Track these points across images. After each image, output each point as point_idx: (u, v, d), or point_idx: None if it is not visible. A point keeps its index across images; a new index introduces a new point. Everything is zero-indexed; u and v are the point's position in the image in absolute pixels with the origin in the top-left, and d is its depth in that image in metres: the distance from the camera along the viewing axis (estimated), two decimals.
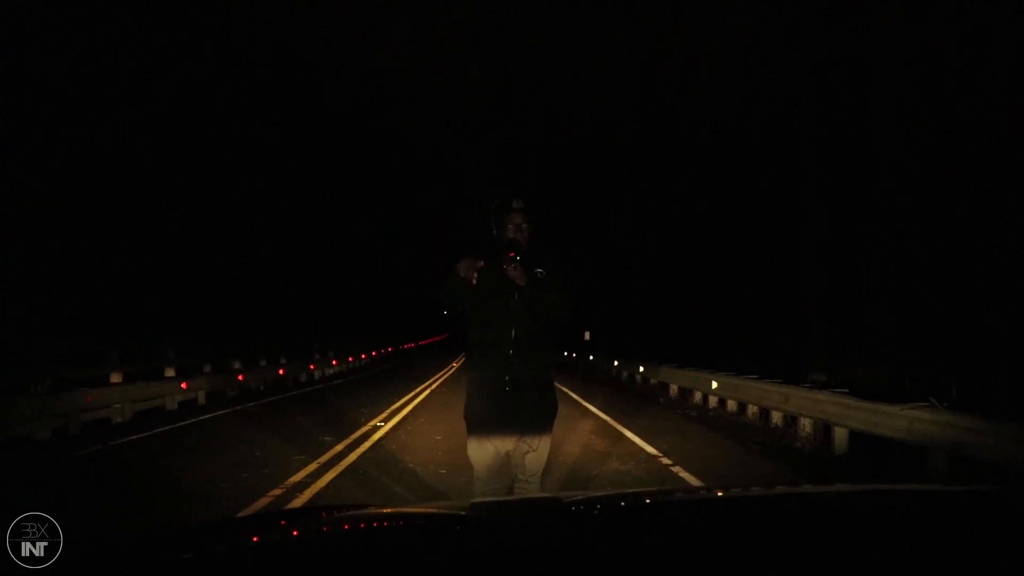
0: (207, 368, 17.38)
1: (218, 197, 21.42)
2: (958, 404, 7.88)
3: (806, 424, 9.69)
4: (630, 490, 5.39)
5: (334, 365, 26.19)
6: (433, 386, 19.25)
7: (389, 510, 2.11)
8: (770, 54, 16.62)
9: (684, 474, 7.48)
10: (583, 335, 32.97)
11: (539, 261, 3.64)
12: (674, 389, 15.89)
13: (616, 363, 22.95)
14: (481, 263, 3.48)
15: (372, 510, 2.10)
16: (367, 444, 9.25)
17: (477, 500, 1.91)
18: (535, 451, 3.73)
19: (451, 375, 24.34)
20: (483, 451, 3.73)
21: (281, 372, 20.34)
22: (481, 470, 3.79)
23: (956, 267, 10.55)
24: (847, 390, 9.24)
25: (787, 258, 17.04)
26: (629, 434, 10.21)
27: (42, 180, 14.13)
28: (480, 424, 3.71)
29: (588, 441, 9.57)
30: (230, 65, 15.63)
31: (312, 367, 23.26)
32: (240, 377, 17.22)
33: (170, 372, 15.63)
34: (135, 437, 10.23)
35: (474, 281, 3.50)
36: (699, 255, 25.30)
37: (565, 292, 3.67)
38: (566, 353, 33.28)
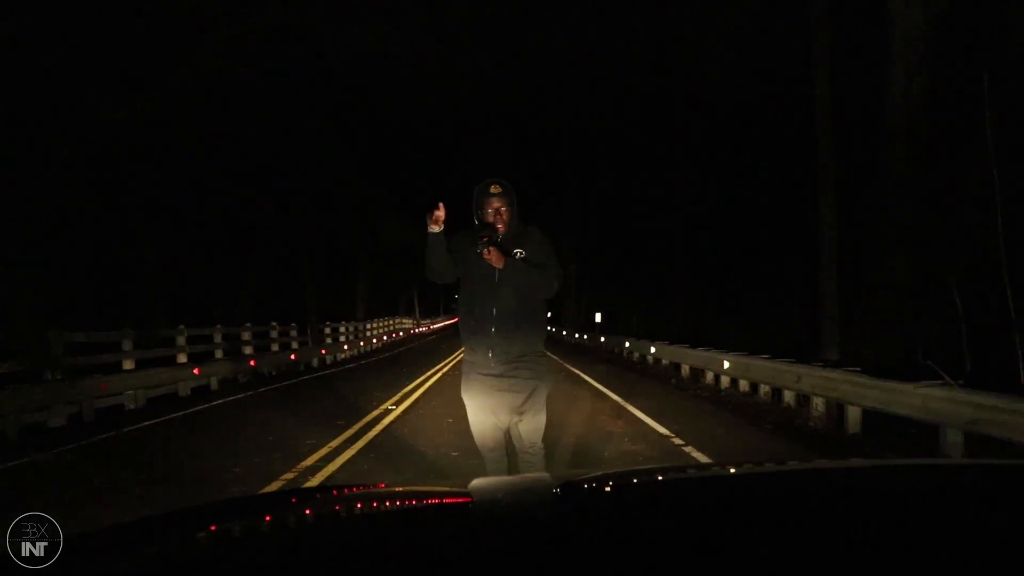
0: (219, 354, 17.47)
1: (229, 183, 21.41)
2: (973, 381, 7.82)
3: (819, 403, 9.64)
4: (642, 467, 5.40)
5: (346, 350, 26.30)
6: (445, 369, 19.29)
7: (400, 489, 2.10)
8: (781, 33, 16.43)
9: (696, 454, 7.47)
10: (594, 317, 32.98)
11: (519, 243, 3.83)
12: (686, 369, 15.85)
13: (627, 344, 22.93)
14: (440, 210, 3.68)
15: (381, 489, 2.09)
16: (378, 428, 9.28)
17: (479, 480, 1.91)
18: (523, 418, 3.86)
19: (462, 359, 24.38)
20: (482, 426, 3.97)
21: (293, 357, 20.43)
22: (484, 444, 4.02)
23: (969, 241, 10.44)
24: (860, 368, 9.18)
25: (801, 237, 16.94)
26: (640, 414, 10.20)
27: (52, 167, 14.18)
28: (474, 400, 3.93)
29: (598, 421, 9.56)
30: (238, 53, 15.62)
31: (324, 352, 23.35)
32: (252, 363, 17.30)
33: (183, 358, 15.71)
34: (148, 423, 10.31)
35: (438, 227, 3.70)
36: (711, 235, 25.20)
37: (547, 270, 3.81)
38: (577, 335, 33.29)
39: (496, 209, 3.81)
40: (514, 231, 3.86)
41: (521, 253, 3.76)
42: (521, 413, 3.84)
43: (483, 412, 3.90)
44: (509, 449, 4.07)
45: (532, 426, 3.89)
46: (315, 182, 26.36)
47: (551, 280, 3.81)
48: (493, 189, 3.82)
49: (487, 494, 1.62)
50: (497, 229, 3.78)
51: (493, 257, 3.62)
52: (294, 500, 1.82)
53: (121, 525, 1.33)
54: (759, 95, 19.85)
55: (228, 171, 20.39)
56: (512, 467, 4.10)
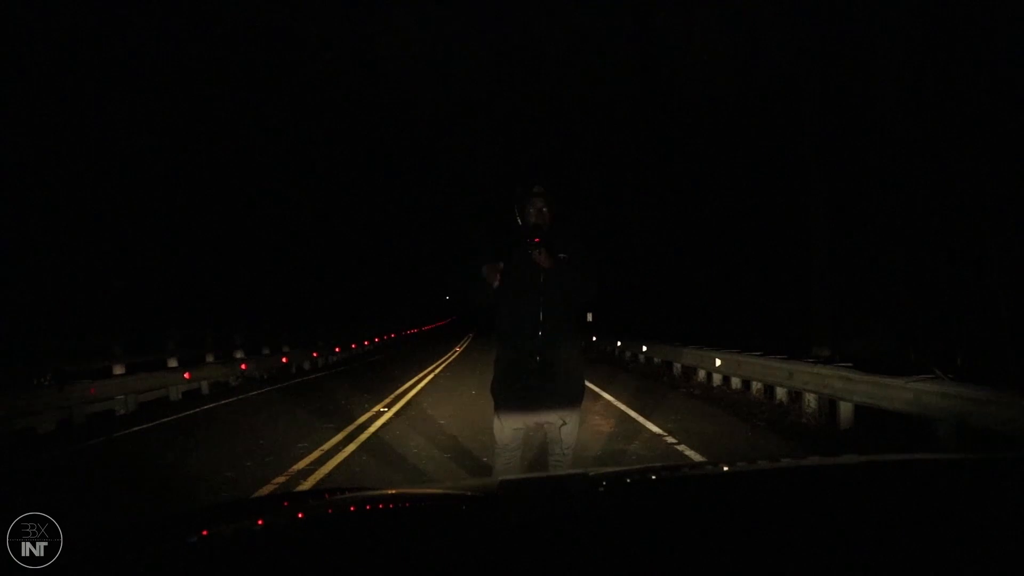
0: (210, 358, 17.36)
1: (220, 187, 21.34)
2: (963, 375, 7.85)
3: (811, 399, 9.67)
4: (655, 464, 5.44)
5: (337, 352, 26.18)
6: (436, 371, 19.26)
7: (422, 490, 2.09)
8: (769, 25, 16.50)
9: (689, 452, 7.47)
10: (586, 316, 32.98)
11: (562, 245, 3.85)
12: (678, 368, 15.87)
13: (619, 343, 22.94)
14: (501, 266, 3.73)
15: (390, 492, 2.08)
16: (371, 430, 9.25)
17: (506, 478, 1.94)
18: (568, 424, 3.97)
19: (454, 359, 24.35)
20: (510, 426, 3.96)
21: (284, 360, 20.32)
22: (505, 443, 4.01)
23: (959, 237, 10.48)
24: (851, 364, 9.21)
25: (790, 233, 16.98)
26: (633, 413, 10.20)
27: (41, 173, 14.09)
28: (510, 401, 3.92)
29: (592, 421, 9.55)
30: (227, 52, 15.62)
31: (315, 355, 23.22)
32: (243, 366, 17.20)
33: (173, 363, 15.60)
34: (139, 428, 10.23)
35: (495, 284, 3.75)
36: (701, 232, 25.25)
37: (589, 273, 3.87)
38: None
39: (539, 210, 3.83)
40: (554, 232, 3.88)
41: (564, 256, 3.79)
42: (566, 420, 3.93)
43: (517, 415, 3.91)
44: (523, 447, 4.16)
45: (573, 431, 4.01)
46: (311, 178, 26.32)
47: (594, 282, 3.88)
48: (537, 190, 3.85)
49: (521, 490, 1.63)
50: (544, 230, 3.78)
51: (543, 258, 3.66)
52: (286, 504, 1.80)
53: (111, 531, 1.31)
54: (749, 86, 19.90)
55: (224, 170, 20.33)
56: (526, 465, 4.16)
